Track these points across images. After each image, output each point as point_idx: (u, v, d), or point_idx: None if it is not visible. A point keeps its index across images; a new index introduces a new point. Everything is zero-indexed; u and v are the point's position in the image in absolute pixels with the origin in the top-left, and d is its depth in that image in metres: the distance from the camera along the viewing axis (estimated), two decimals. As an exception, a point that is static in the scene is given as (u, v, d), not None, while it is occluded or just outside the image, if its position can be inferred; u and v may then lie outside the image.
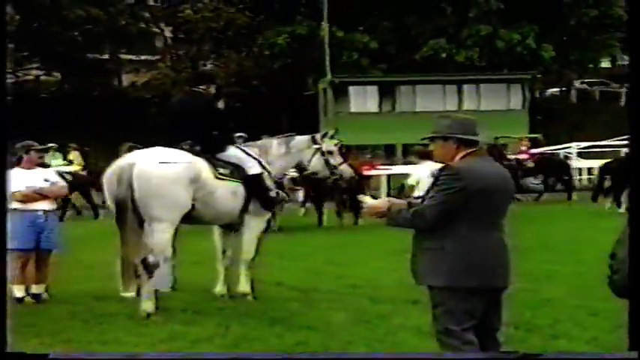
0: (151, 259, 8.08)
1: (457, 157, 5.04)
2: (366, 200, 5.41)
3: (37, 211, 9.08)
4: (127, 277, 8.17)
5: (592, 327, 7.30)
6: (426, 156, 11.12)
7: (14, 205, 8.88)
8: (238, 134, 10.34)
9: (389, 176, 27.39)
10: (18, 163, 9.24)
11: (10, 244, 8.70)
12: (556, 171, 24.01)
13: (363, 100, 33.70)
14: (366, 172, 27.34)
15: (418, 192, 11.02)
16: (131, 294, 8.30)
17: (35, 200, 9.11)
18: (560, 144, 29.35)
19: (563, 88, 43.98)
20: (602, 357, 3.48)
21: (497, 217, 5.04)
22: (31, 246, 9.07)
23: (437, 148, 5.16)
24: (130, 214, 8.10)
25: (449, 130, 5.09)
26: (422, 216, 4.97)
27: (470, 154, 5.04)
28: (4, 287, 4.57)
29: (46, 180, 9.29)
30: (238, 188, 8.63)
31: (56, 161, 21.25)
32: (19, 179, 9.05)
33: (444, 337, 5.00)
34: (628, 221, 3.47)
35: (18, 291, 9.01)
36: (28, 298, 9.06)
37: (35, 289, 9.16)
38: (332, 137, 10.06)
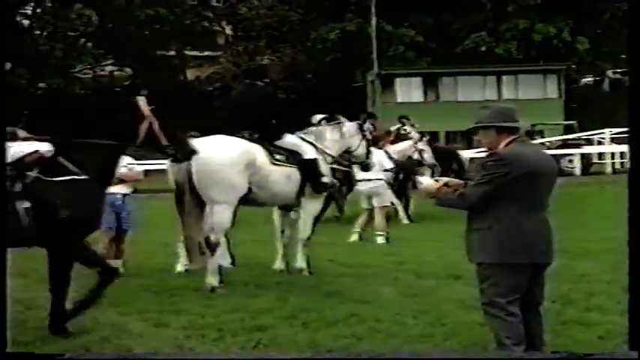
0: (212, 237, 8.16)
1: (501, 144, 5.04)
2: (422, 180, 5.46)
3: (116, 194, 9.22)
4: (192, 253, 8.31)
5: (624, 300, 7.19)
6: None
7: None
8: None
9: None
10: None
11: None
12: (446, 162, 22.50)
13: (409, 90, 33.55)
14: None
15: None
16: (197, 267, 8.45)
17: (115, 184, 9.24)
18: (594, 130, 28.89)
19: (597, 78, 43.22)
20: (603, 357, 3.42)
21: (542, 198, 5.04)
22: (111, 226, 9.24)
23: (481, 136, 5.18)
24: (188, 197, 8.22)
25: (489, 120, 5.10)
26: (465, 198, 5.04)
27: (513, 141, 5.03)
28: (4, 287, 4.54)
29: (124, 165, 9.37)
30: (293, 172, 8.65)
31: None
32: None
33: (490, 308, 5.04)
34: (628, 221, 3.35)
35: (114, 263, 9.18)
36: (122, 269, 9.17)
37: (113, 264, 9.31)
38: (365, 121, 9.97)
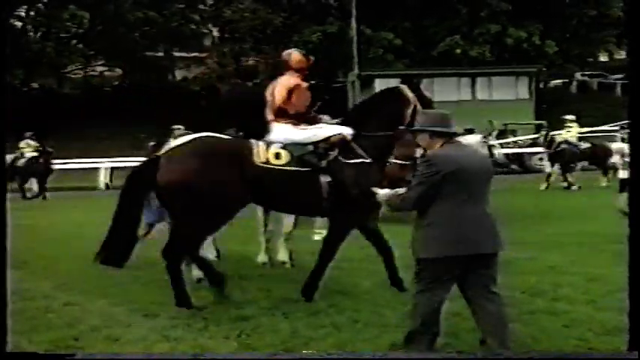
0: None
1: (435, 147, 5.21)
2: (377, 191, 5.61)
3: None
4: None
5: (590, 291, 7.26)
6: None
7: None
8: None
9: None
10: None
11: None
12: None
13: (387, 91, 33.56)
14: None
15: None
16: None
17: None
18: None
19: (566, 80, 43.47)
20: (603, 357, 3.43)
21: (475, 193, 5.09)
22: (153, 220, 9.16)
23: (418, 139, 5.39)
24: None
25: (424, 125, 5.29)
26: (406, 199, 5.22)
27: (445, 143, 5.19)
28: (4, 287, 4.52)
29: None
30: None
31: None
32: None
33: (419, 297, 5.16)
34: (628, 221, 3.37)
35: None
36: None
37: None
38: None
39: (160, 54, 41.62)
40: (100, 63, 40.89)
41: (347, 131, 7.18)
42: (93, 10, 35.06)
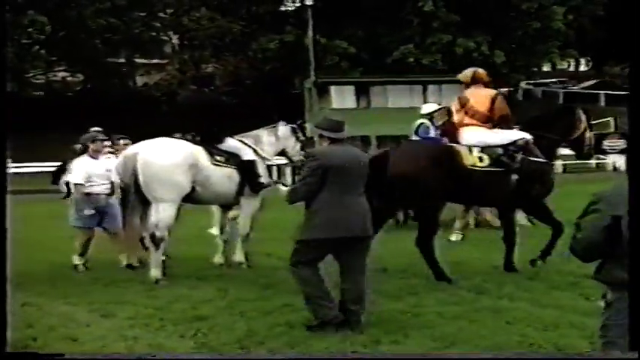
0: (157, 233, 8.10)
1: (323, 144, 5.93)
2: (282, 188, 6.13)
3: (99, 194, 9.04)
4: (130, 250, 8.33)
5: (531, 289, 7.38)
6: None
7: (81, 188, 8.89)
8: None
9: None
10: (84, 151, 9.14)
11: (76, 223, 8.93)
12: None
13: (343, 98, 33.66)
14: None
15: None
16: (132, 262, 8.72)
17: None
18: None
19: (511, 89, 44.12)
20: (603, 357, 3.48)
21: (353, 185, 5.79)
22: (92, 226, 9.09)
23: (317, 141, 6.18)
24: (133, 196, 8.16)
25: (317, 126, 6.03)
26: (296, 191, 5.96)
27: (331, 143, 5.88)
28: (4, 287, 4.49)
29: (107, 170, 9.04)
30: (233, 173, 8.63)
31: None
32: (82, 167, 9.00)
33: (299, 272, 5.89)
34: (629, 221, 3.42)
35: (77, 260, 9.06)
36: (81, 267, 9.04)
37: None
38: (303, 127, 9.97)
39: (122, 60, 41.12)
40: (61, 68, 40.26)
41: (527, 136, 8.26)
42: (54, 16, 34.53)
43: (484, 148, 8.06)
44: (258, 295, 7.33)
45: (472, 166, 7.93)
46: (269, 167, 9.36)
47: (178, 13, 39.15)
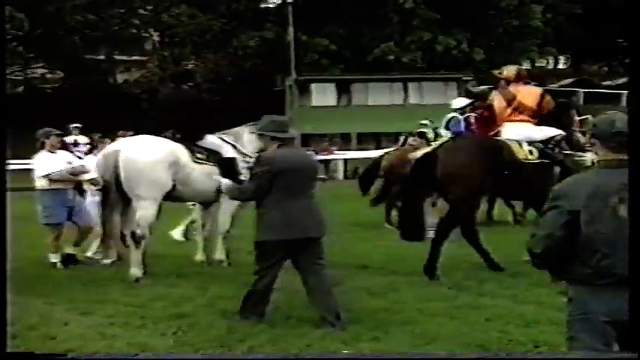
0: (138, 231, 8.05)
1: (272, 148, 6.04)
2: (221, 180, 6.77)
3: (66, 190, 9.00)
4: (107, 246, 8.32)
5: (512, 286, 7.40)
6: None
7: (46, 185, 8.86)
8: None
9: (345, 160, 27.47)
10: (42, 147, 9.13)
11: (45, 221, 8.89)
12: None
13: (323, 95, 33.67)
14: (325, 157, 27.41)
15: None
16: (111, 260, 8.62)
17: (67, 181, 9.03)
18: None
19: (491, 86, 44.26)
20: (602, 357, 3.50)
21: (301, 188, 5.92)
22: (61, 221, 9.03)
23: (260, 141, 6.36)
24: (113, 194, 8.11)
25: (263, 129, 6.10)
26: (242, 191, 6.36)
27: (280, 146, 5.99)
28: (4, 287, 4.45)
29: (69, 162, 9.13)
30: (213, 170, 8.59)
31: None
32: (45, 162, 8.98)
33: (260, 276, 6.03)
34: (629, 222, 3.45)
35: (54, 258, 9.00)
36: (59, 264, 8.98)
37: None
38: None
39: (101, 57, 40.84)
40: (40, 65, 39.92)
41: (563, 132, 8.71)
42: (32, 12, 34.20)
43: (530, 143, 8.37)
44: (238, 292, 7.19)
45: (524, 159, 8.20)
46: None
47: (158, 10, 38.95)
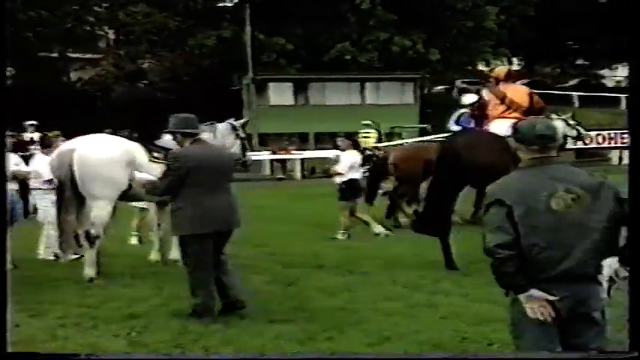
0: (92, 231, 7.94)
1: (185, 145, 6.22)
2: (137, 175, 7.03)
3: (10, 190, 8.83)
4: (64, 244, 8.12)
5: (465, 285, 7.47)
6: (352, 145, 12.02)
7: None
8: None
9: (302, 159, 27.51)
10: None
11: None
12: None
13: (281, 94, 33.61)
14: (283, 156, 27.41)
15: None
16: (70, 257, 8.39)
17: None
18: (445, 133, 29.73)
19: (447, 87, 44.72)
20: (602, 357, 3.53)
21: (216, 183, 6.10)
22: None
23: (173, 139, 6.54)
24: (68, 193, 7.96)
25: (174, 127, 6.33)
26: (157, 187, 6.49)
27: (193, 143, 6.22)
28: (4, 287, 4.36)
29: (16, 164, 8.97)
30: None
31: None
32: None
33: (190, 270, 6.19)
34: (629, 221, 3.50)
35: None
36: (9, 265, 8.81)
37: None
38: (244, 125, 9.88)
39: (55, 54, 40.15)
40: (-9, 62, 39.14)
41: None
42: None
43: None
44: (194, 292, 7.22)
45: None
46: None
47: (114, 8, 38.45)
